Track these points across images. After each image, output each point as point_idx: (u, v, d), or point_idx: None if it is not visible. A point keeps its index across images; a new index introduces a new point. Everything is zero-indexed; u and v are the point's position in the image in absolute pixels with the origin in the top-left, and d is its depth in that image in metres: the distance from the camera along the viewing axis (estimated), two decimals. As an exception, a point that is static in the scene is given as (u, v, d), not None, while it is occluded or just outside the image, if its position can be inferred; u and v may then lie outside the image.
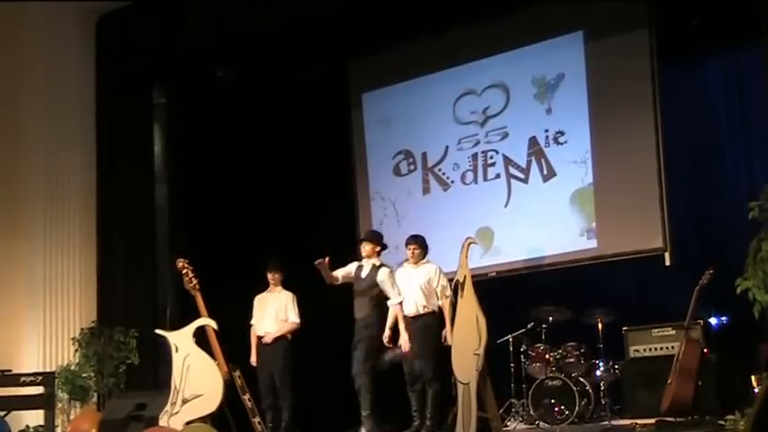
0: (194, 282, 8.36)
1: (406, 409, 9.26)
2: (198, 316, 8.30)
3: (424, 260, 9.21)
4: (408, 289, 9.01)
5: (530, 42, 11.15)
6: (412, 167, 11.98)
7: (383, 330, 8.78)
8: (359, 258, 9.05)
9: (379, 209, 12.16)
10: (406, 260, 9.36)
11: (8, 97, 11.38)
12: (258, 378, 9.95)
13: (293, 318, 10.10)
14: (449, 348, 8.29)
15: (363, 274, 9.02)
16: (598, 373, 9.62)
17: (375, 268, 8.95)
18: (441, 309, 8.92)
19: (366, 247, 9.14)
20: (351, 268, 9.16)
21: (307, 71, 12.09)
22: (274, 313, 10.14)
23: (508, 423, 9.48)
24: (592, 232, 10.59)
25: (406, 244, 9.32)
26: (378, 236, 9.33)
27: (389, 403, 11.05)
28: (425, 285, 8.98)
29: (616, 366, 9.59)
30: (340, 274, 9.14)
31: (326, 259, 8.93)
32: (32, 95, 11.36)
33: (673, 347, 9.07)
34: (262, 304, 10.29)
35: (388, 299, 8.84)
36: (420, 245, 9.22)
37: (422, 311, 8.92)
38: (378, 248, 9.13)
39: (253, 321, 10.21)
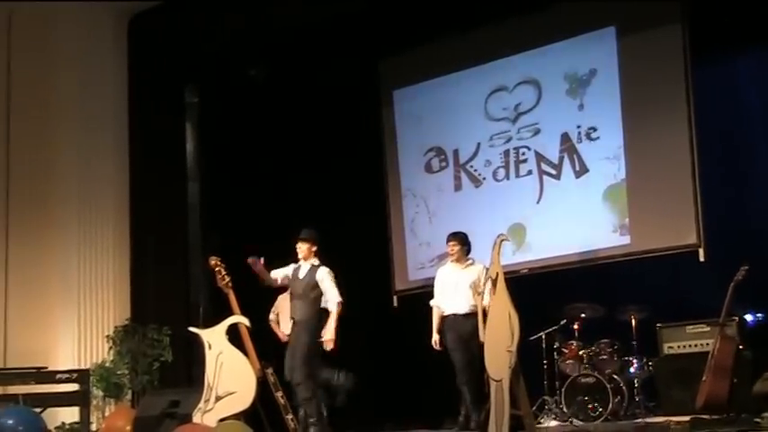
0: (227, 280, 8.39)
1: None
2: (230, 314, 8.33)
3: (470, 259, 9.17)
4: (455, 288, 9.01)
5: (561, 38, 11.09)
6: (443, 164, 11.96)
7: (320, 333, 8.73)
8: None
9: (410, 206, 12.15)
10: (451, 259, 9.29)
11: (42, 98, 11.46)
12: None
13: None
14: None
15: (301, 275, 8.89)
16: (632, 370, 9.57)
17: (314, 268, 8.86)
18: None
19: (302, 248, 9.00)
20: (288, 270, 9.03)
21: (337, 69, 12.10)
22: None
23: (541, 420, 9.44)
24: (624, 228, 10.53)
25: (447, 241, 9.29)
26: (314, 235, 9.15)
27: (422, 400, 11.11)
28: (473, 285, 8.90)
29: (650, 363, 9.53)
30: (279, 275, 9.02)
31: (261, 260, 8.82)
32: (66, 96, 11.44)
33: (707, 344, 8.98)
34: (286, 303, 10.37)
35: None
36: (460, 241, 9.19)
37: (472, 310, 8.87)
38: (314, 248, 9.00)
39: (271, 317, 10.31)
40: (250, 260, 8.80)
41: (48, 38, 11.55)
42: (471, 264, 9.19)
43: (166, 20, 11.48)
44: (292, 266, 9.04)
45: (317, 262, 8.92)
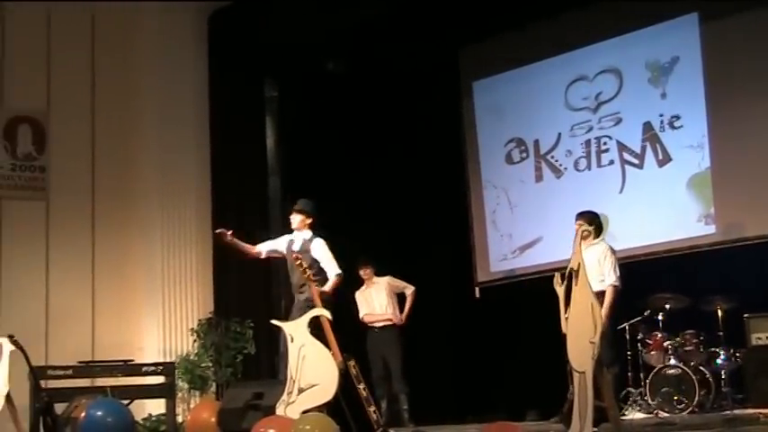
0: (308, 273, 8.42)
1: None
2: (312, 306, 8.35)
3: (597, 239, 8.78)
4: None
5: (642, 26, 10.93)
6: (524, 155, 11.89)
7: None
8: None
9: (491, 197, 12.10)
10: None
11: (124, 94, 11.67)
12: (371, 367, 10.06)
13: (409, 289, 10.25)
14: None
15: (295, 247, 8.71)
16: (718, 361, 9.38)
17: (308, 241, 8.69)
18: (608, 289, 8.52)
19: (296, 219, 8.84)
20: (280, 242, 8.90)
21: (417, 61, 12.08)
22: (381, 304, 10.33)
23: (626, 412, 9.32)
24: (710, 218, 10.35)
25: (575, 221, 8.95)
26: (310, 206, 8.94)
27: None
28: (596, 265, 8.53)
29: (737, 354, 9.34)
30: (265, 248, 8.92)
31: (230, 232, 8.77)
32: (148, 93, 11.62)
33: (797, 334, 8.82)
34: (367, 298, 10.45)
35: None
36: (587, 220, 8.65)
37: (600, 289, 8.60)
38: (309, 220, 8.81)
39: (362, 315, 10.39)
40: (218, 231, 8.84)
41: (129, 37, 11.76)
42: (596, 242, 8.85)
43: (245, 15, 11.58)
44: (285, 238, 8.92)
45: (309, 234, 8.75)
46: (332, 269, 8.58)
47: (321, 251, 8.62)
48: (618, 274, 8.55)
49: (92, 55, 11.68)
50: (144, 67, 11.69)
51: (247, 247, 8.97)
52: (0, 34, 11.33)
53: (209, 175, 11.68)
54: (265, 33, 11.57)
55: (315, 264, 8.53)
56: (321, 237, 8.76)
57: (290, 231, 8.96)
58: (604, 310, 8.36)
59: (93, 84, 11.65)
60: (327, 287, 8.48)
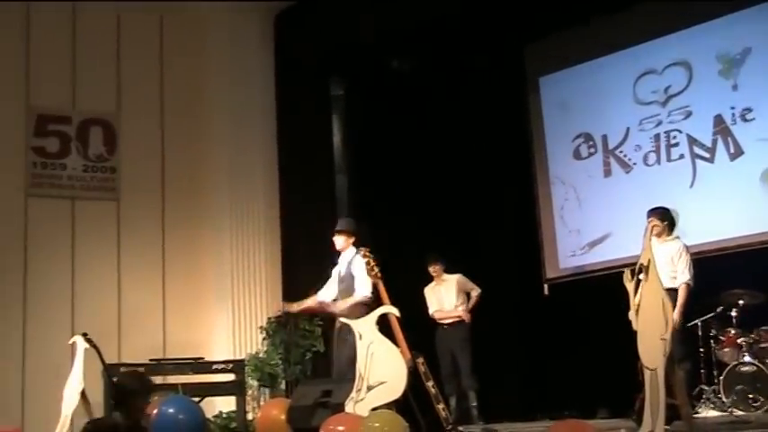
0: (376, 270, 8.41)
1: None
2: (380, 304, 8.36)
3: (671, 236, 8.62)
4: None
5: (712, 17, 10.76)
6: (592, 150, 11.77)
7: None
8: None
9: (559, 193, 12.00)
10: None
11: (192, 94, 11.82)
12: (440, 364, 10.05)
13: (476, 291, 10.22)
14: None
15: (342, 270, 8.59)
16: (794, 358, 9.21)
17: (350, 261, 8.52)
18: (680, 288, 8.41)
19: (339, 240, 8.68)
20: (333, 277, 8.73)
21: (482, 58, 12.03)
22: (450, 301, 10.31)
23: (699, 410, 9.19)
24: (785, 211, 10.17)
25: (647, 217, 8.82)
26: (351, 225, 8.83)
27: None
28: (668, 263, 8.41)
29: (815, 352, 9.16)
30: (324, 293, 8.73)
31: (293, 305, 8.87)
32: (216, 93, 11.75)
33: None
34: (435, 296, 10.44)
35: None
36: (658, 216, 8.49)
37: (671, 286, 8.49)
38: (352, 239, 8.65)
39: (431, 312, 10.39)
40: (286, 309, 9.08)
41: (197, 38, 11.90)
42: (671, 239, 8.72)
43: (310, 15, 11.64)
44: (334, 272, 8.75)
45: (352, 252, 8.61)
46: (360, 289, 8.44)
47: (359, 269, 8.46)
48: (692, 272, 8.43)
49: (160, 56, 11.85)
50: (212, 68, 11.82)
51: (312, 306, 8.88)
52: (71, 37, 11.53)
53: (276, 174, 11.76)
54: (331, 32, 11.60)
55: (350, 278, 8.49)
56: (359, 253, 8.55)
57: (362, 232, 8.91)
58: (677, 309, 8.27)
59: (162, 84, 11.81)
60: (348, 301, 8.45)
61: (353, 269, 8.51)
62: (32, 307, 10.93)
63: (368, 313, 8.14)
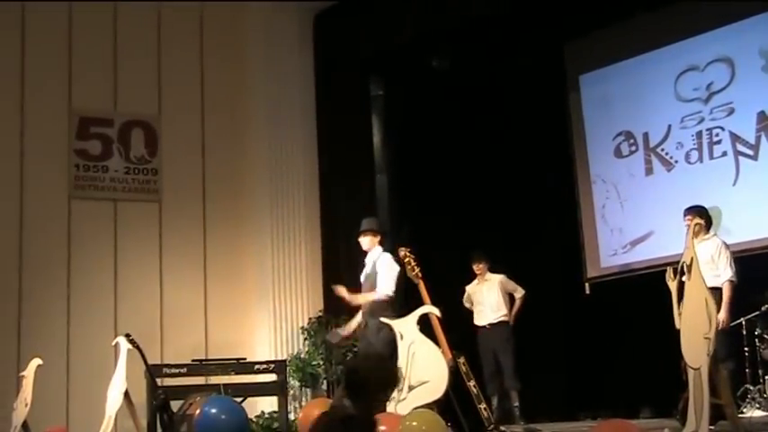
0: (416, 270, 8.41)
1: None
2: (421, 304, 8.35)
3: (708, 234, 8.52)
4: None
5: (755, 12, 10.63)
6: (633, 148, 11.67)
7: None
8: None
9: (600, 192, 11.92)
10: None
11: (233, 95, 11.89)
12: (482, 364, 10.02)
13: (519, 292, 10.17)
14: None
15: (368, 270, 8.51)
16: (840, 357, 9.10)
17: (377, 260, 8.43)
18: (724, 285, 8.31)
19: (365, 240, 8.59)
20: (363, 280, 8.62)
21: (522, 56, 11.98)
22: (492, 301, 10.28)
23: (744, 410, 9.10)
24: (829, 209, 10.03)
25: (684, 216, 8.74)
26: (376, 224, 8.75)
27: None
28: (709, 261, 8.27)
29: None
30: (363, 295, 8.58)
31: (340, 331, 8.84)
32: (256, 93, 11.81)
33: None
34: (477, 296, 10.41)
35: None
36: (696, 214, 8.25)
37: (713, 285, 8.40)
38: (377, 238, 8.57)
39: (473, 310, 10.38)
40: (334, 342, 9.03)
41: (237, 39, 11.97)
42: (708, 238, 8.64)
43: (349, 15, 11.67)
44: (363, 275, 8.66)
45: (379, 251, 8.55)
46: (382, 286, 8.38)
47: (384, 267, 8.41)
48: (734, 269, 8.35)
49: (200, 58, 11.93)
50: (252, 68, 11.88)
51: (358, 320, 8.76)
52: (112, 39, 11.63)
53: (317, 174, 11.81)
54: (370, 32, 11.62)
55: (374, 276, 8.45)
56: (389, 252, 8.59)
57: (396, 233, 8.89)
58: (723, 307, 8.20)
59: (203, 86, 11.89)
60: (368, 296, 8.42)
61: (378, 267, 8.46)
62: (76, 308, 11.04)
63: (392, 313, 8.16)
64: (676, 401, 8.29)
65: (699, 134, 11.06)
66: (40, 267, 10.97)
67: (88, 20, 11.57)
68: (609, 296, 11.45)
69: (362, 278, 8.67)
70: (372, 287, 8.43)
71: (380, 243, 8.66)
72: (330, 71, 11.86)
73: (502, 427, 8.77)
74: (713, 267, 8.35)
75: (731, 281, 8.31)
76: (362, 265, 8.72)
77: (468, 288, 10.57)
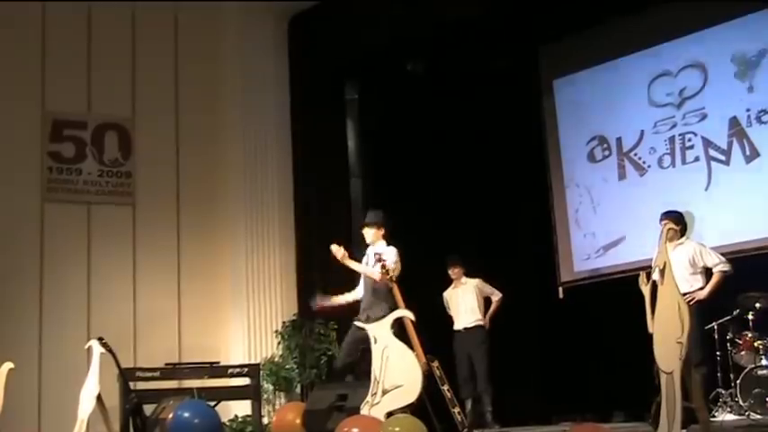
0: (390, 274, 8.42)
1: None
2: (395, 308, 8.35)
3: (682, 240, 8.60)
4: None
5: (728, 19, 10.71)
6: (606, 153, 11.73)
7: None
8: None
9: (574, 196, 11.97)
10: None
11: (208, 99, 11.84)
12: (457, 367, 10.04)
13: (496, 295, 10.20)
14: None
15: (370, 263, 8.43)
16: (812, 361, 9.16)
17: (380, 253, 8.33)
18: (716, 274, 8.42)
19: (369, 233, 8.54)
20: (363, 269, 8.52)
21: (496, 60, 12.02)
22: (468, 305, 10.30)
23: (716, 414, 9.15)
24: (800, 214, 10.11)
25: (660, 220, 8.80)
26: (380, 217, 8.62)
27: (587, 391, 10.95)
28: (687, 267, 8.43)
29: (831, 354, 9.10)
30: (357, 291, 8.62)
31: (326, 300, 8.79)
32: (230, 95, 11.79)
33: None
34: (453, 300, 10.43)
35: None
36: (672, 220, 8.49)
37: (691, 289, 8.42)
38: (382, 231, 8.50)
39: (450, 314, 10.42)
40: (317, 308, 8.95)
41: (211, 42, 11.94)
42: (681, 242, 8.71)
43: (325, 18, 11.66)
44: (362, 265, 8.59)
45: (383, 245, 8.49)
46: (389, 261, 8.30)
47: (391, 259, 8.37)
48: (724, 259, 8.47)
49: (175, 60, 11.89)
50: (226, 71, 11.86)
51: (344, 297, 8.82)
52: (86, 41, 11.57)
53: (291, 177, 11.78)
54: (345, 36, 11.62)
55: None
56: (393, 245, 8.54)
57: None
58: (707, 288, 8.31)
59: (177, 89, 11.85)
60: (366, 268, 8.41)
61: (387, 258, 8.30)
62: (48, 311, 10.97)
63: (384, 301, 8.18)
64: (649, 405, 8.34)
65: (671, 139, 11.13)
66: (13, 270, 10.88)
67: (62, 21, 11.50)
68: (582, 300, 11.50)
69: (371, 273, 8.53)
70: (373, 281, 8.35)
71: (384, 238, 8.58)
72: (305, 74, 11.85)
73: (475, 431, 8.80)
74: (693, 271, 8.44)
75: (723, 271, 8.40)
76: (336, 270, 8.71)
77: (445, 294, 10.60)
